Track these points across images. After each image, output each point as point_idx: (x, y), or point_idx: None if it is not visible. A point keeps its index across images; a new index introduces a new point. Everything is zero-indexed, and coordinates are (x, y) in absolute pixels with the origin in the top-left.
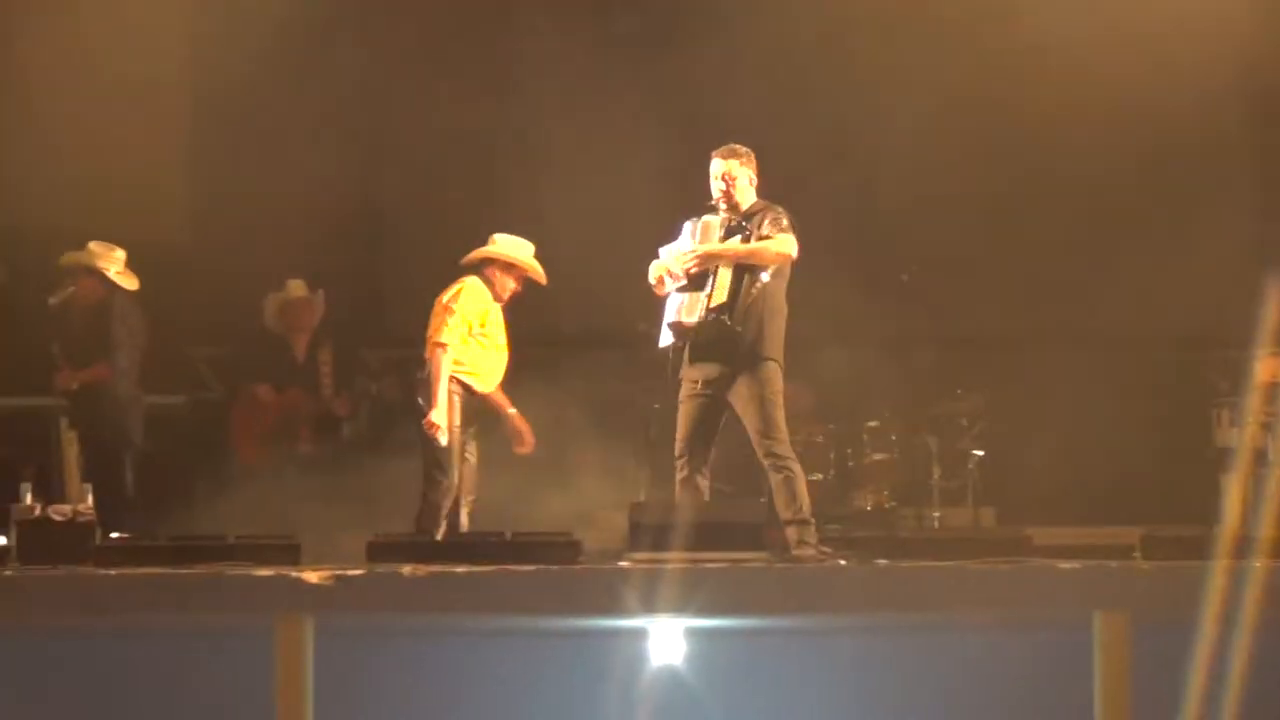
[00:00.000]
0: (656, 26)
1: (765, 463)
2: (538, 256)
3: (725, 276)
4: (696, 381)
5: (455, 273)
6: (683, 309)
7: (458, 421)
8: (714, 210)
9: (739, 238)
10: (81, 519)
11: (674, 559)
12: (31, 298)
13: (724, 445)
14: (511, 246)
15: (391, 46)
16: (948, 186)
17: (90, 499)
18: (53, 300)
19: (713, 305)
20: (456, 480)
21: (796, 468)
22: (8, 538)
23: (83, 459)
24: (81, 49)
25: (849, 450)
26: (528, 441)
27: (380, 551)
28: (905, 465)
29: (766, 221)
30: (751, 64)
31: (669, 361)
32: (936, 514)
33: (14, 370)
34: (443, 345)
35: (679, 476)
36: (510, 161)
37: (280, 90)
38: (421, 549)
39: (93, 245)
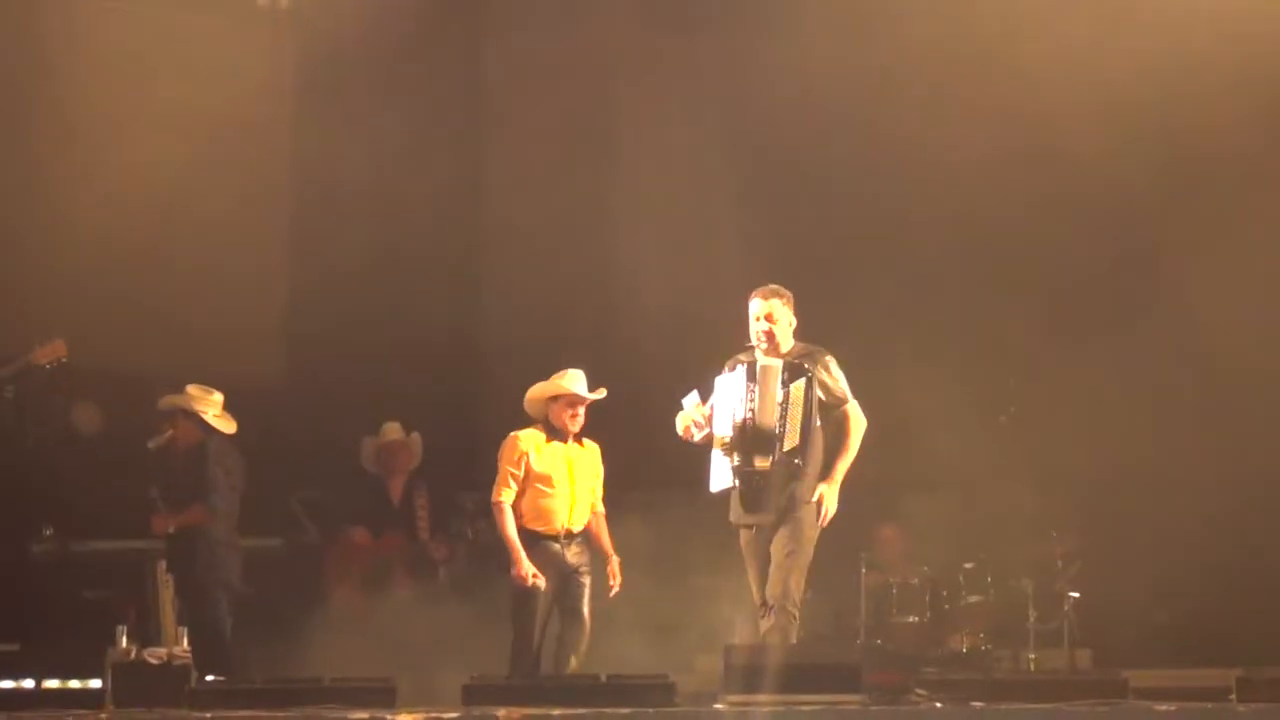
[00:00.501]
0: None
1: (777, 604)
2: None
3: (798, 418)
4: (751, 527)
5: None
6: (752, 454)
7: (543, 572)
8: (756, 352)
9: (802, 381)
10: (177, 662)
11: (768, 701)
12: (129, 441)
13: (820, 589)
14: (574, 380)
15: (492, 175)
16: (1051, 327)
17: (186, 641)
18: (151, 444)
19: (787, 449)
20: (538, 626)
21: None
22: (103, 680)
23: (178, 602)
24: (169, 183)
25: (944, 592)
26: (613, 585)
27: (476, 694)
28: (1001, 607)
29: (823, 366)
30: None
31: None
32: (1032, 656)
33: (111, 513)
34: (498, 505)
35: (764, 624)
36: (608, 300)
37: (373, 228)
38: (517, 692)
39: (191, 389)
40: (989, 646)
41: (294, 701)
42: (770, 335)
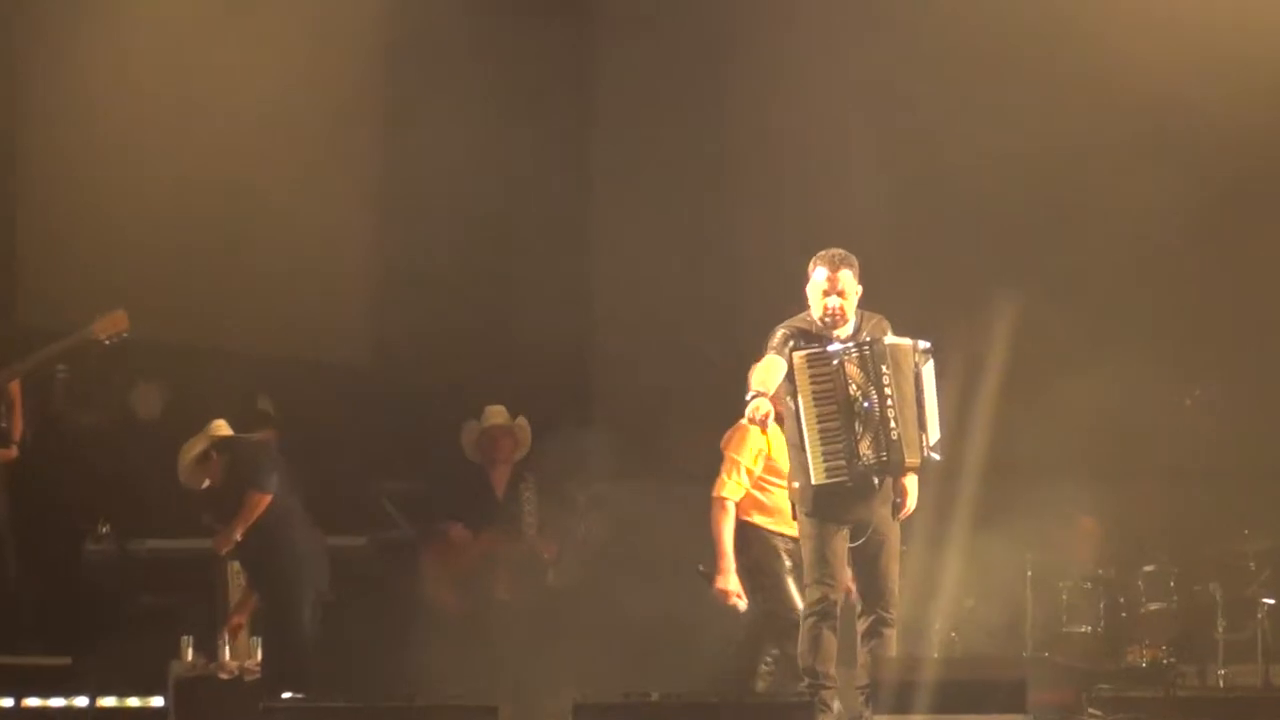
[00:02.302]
0: None
1: (882, 616)
2: None
3: (935, 409)
4: (846, 525)
5: (669, 400)
6: (901, 448)
7: (786, 569)
8: (817, 330)
9: (931, 364)
10: (249, 677)
11: None
12: (195, 425)
13: (980, 595)
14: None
15: (599, 149)
16: (1235, 300)
17: (260, 654)
18: (187, 484)
19: (932, 444)
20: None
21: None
22: (165, 698)
23: (252, 608)
24: (249, 159)
25: (1121, 599)
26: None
27: (588, 714)
28: (1185, 615)
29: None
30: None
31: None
32: (1222, 671)
33: (175, 508)
34: (721, 500)
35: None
36: (735, 268)
37: (478, 195)
38: (636, 711)
39: (215, 424)
40: (1172, 660)
41: None
42: (841, 313)
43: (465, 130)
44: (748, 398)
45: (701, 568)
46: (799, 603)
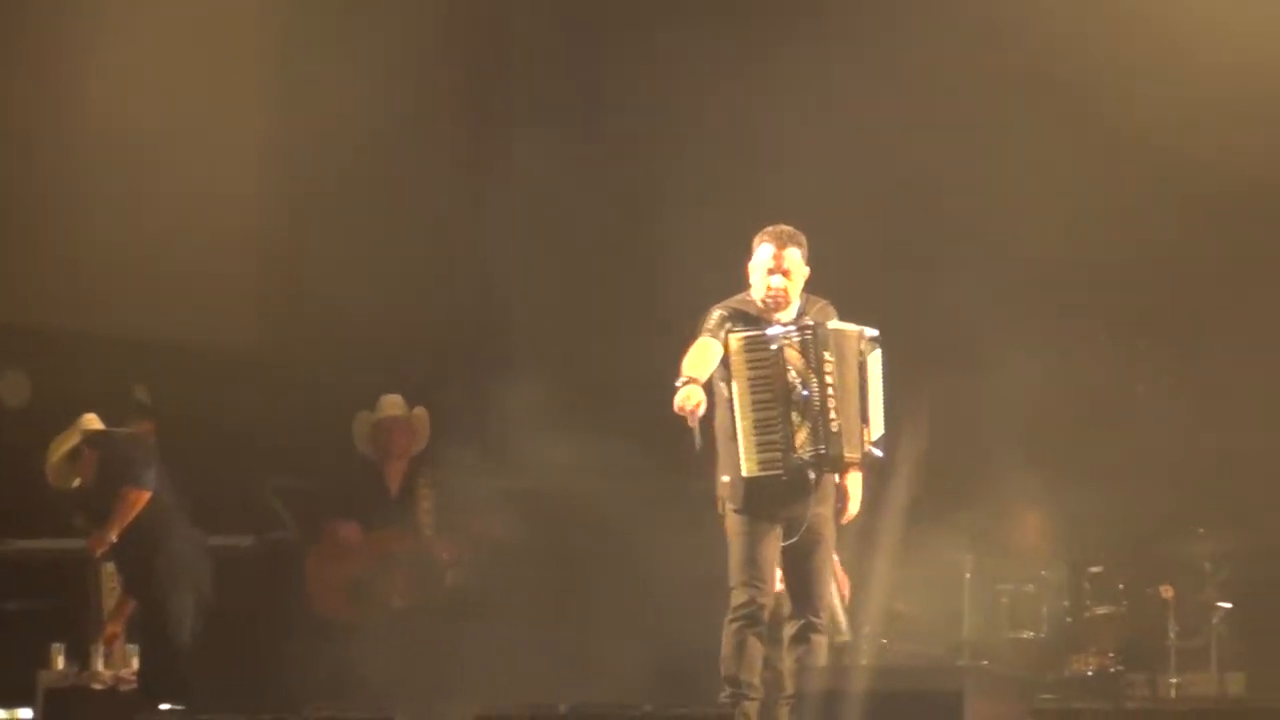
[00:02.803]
0: None
1: (812, 621)
2: None
3: (879, 401)
4: (777, 523)
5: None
6: (840, 441)
7: None
8: (757, 312)
9: (878, 353)
10: (124, 687)
11: None
12: (67, 416)
13: (914, 598)
14: None
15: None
16: (1189, 275)
17: (136, 663)
18: (56, 484)
19: (874, 439)
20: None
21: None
22: (33, 709)
23: (128, 613)
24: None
25: (1066, 603)
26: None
27: None
28: (1135, 620)
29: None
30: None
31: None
32: (1174, 680)
33: (43, 506)
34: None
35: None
36: (653, 256)
37: (373, 171)
38: None
39: (85, 418)
40: (1121, 668)
41: None
42: (784, 295)
43: (352, 105)
44: (677, 384)
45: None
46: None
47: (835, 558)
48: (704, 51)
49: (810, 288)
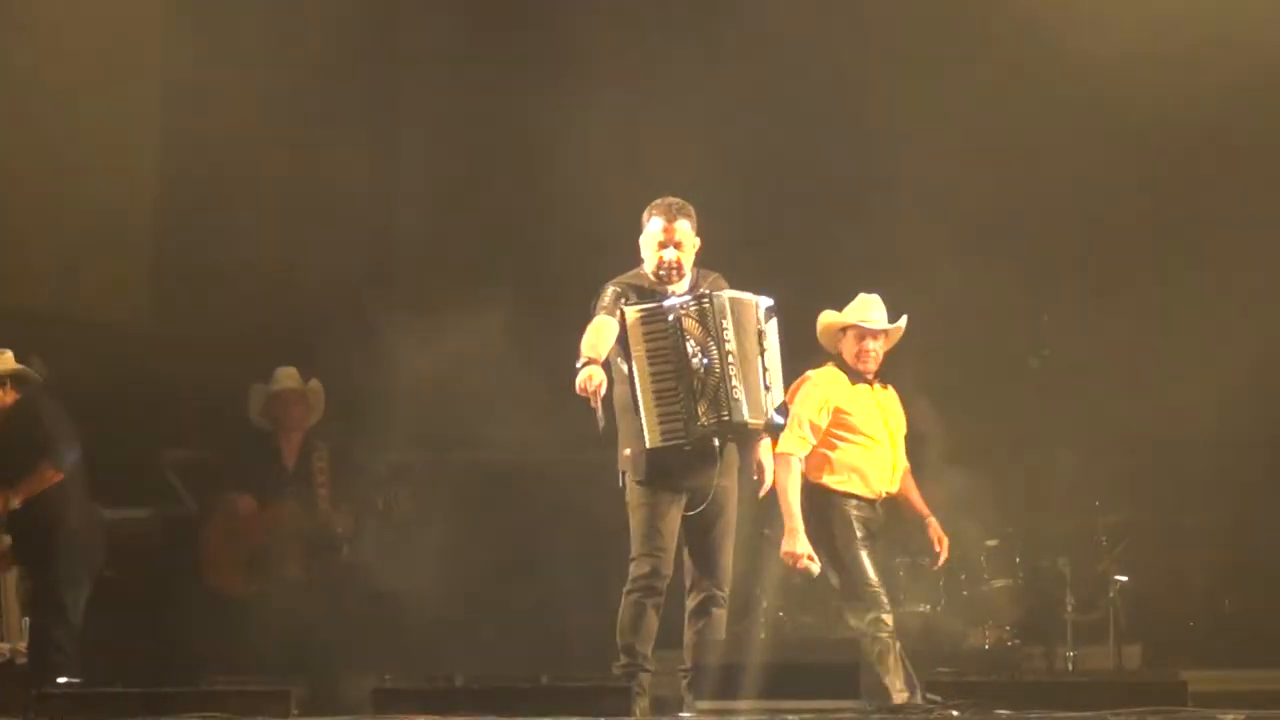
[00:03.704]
0: None
1: (714, 594)
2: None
3: (778, 369)
4: (681, 494)
5: (489, 355)
6: (743, 408)
7: (857, 539)
8: (650, 285)
9: (775, 322)
10: (20, 660)
11: (748, 709)
12: None
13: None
14: (860, 308)
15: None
16: (1090, 244)
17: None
18: None
19: (776, 405)
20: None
21: None
22: None
23: (23, 587)
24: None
25: (962, 576)
26: (940, 551)
27: (389, 699)
28: (1031, 594)
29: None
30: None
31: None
32: (1070, 653)
33: None
34: (782, 457)
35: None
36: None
37: (268, 144)
38: (438, 696)
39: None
40: (1017, 641)
41: (165, 710)
42: (678, 266)
43: (247, 73)
44: (578, 365)
45: (766, 531)
46: (872, 575)
47: (934, 521)
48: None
49: (706, 256)
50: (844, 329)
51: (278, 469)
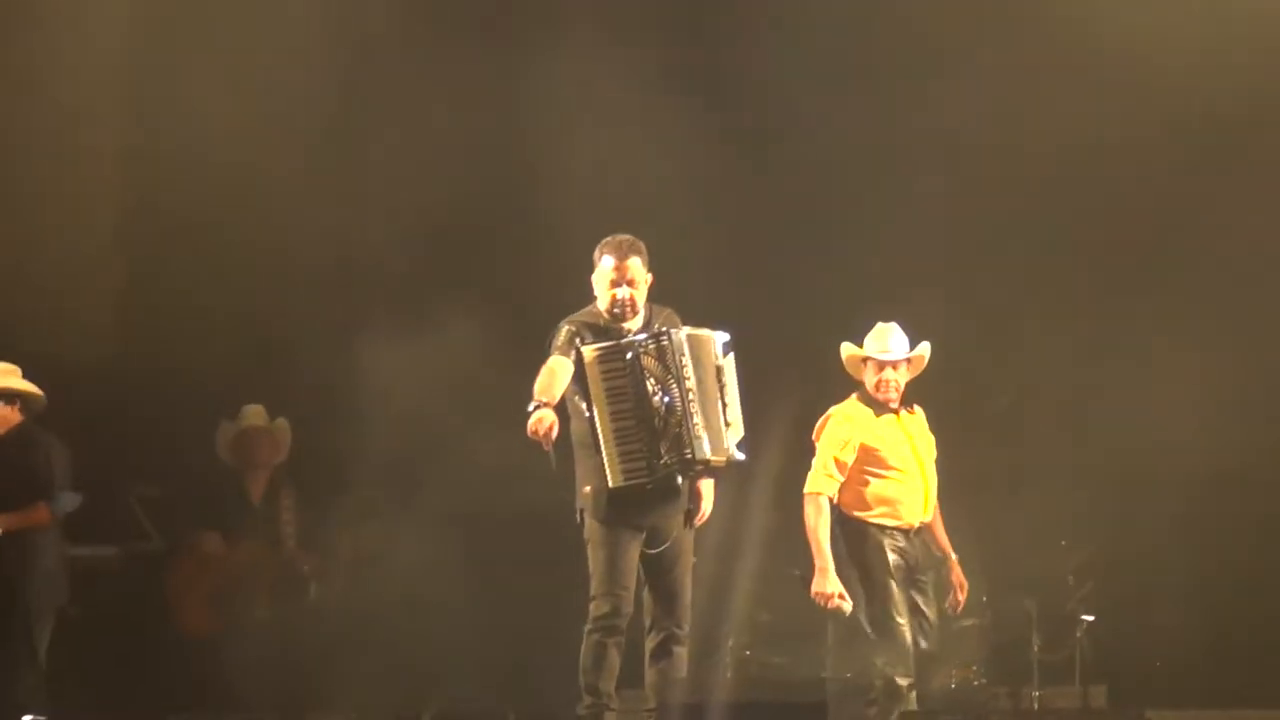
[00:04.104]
0: None
1: (674, 633)
2: None
3: (737, 404)
4: (641, 531)
5: (457, 393)
6: (705, 445)
7: (890, 574)
8: (605, 323)
9: (732, 356)
10: None
11: None
12: None
13: (775, 610)
14: (877, 339)
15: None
16: (1055, 284)
17: None
18: None
19: (736, 441)
20: (903, 649)
21: None
22: None
23: None
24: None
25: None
26: (961, 598)
27: None
28: (998, 633)
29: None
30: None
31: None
32: (1036, 693)
33: None
34: (810, 496)
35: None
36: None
37: (236, 171)
38: None
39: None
40: (983, 681)
41: None
42: (631, 303)
43: (212, 107)
44: (529, 409)
45: (797, 572)
46: (901, 613)
47: (954, 557)
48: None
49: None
50: (864, 360)
51: (244, 506)
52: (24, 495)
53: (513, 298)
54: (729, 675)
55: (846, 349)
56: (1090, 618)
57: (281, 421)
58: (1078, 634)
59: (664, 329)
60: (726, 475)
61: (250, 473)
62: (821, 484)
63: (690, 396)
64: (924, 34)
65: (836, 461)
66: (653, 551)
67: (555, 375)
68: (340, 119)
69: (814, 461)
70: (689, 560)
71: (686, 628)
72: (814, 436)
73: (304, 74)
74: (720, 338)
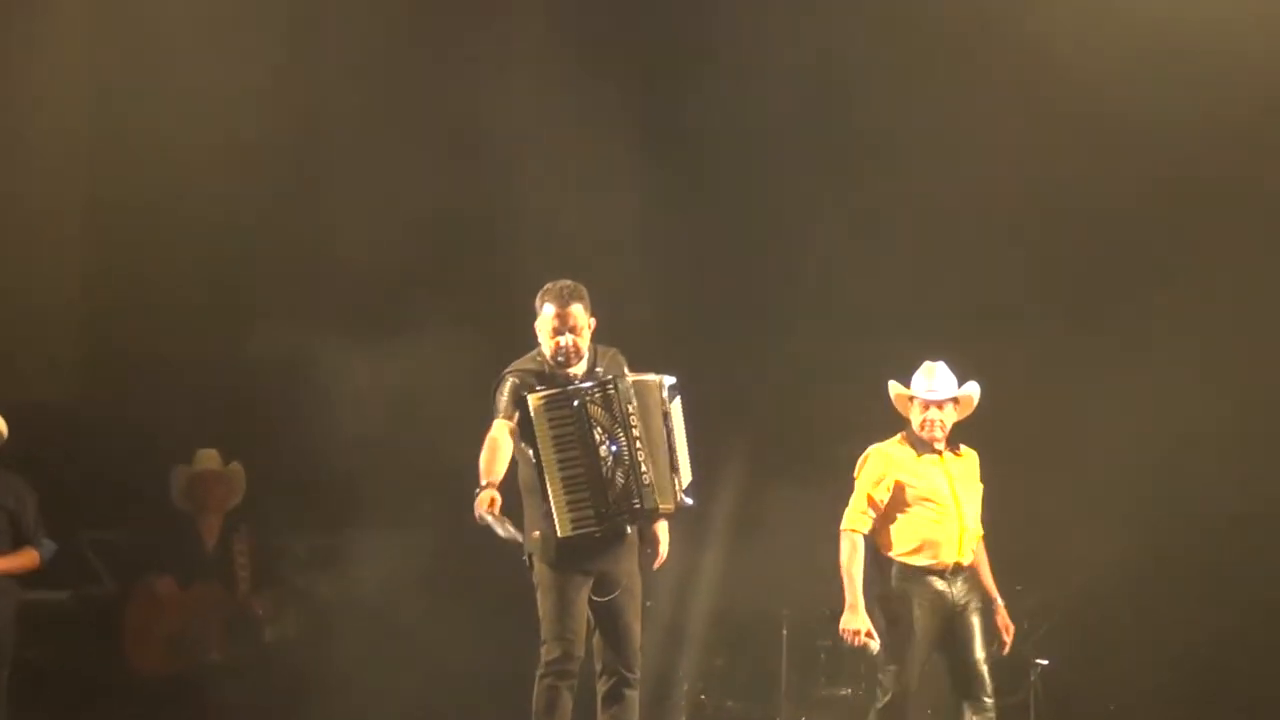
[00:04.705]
0: None
1: (625, 677)
2: None
3: (685, 449)
4: (590, 576)
5: (398, 436)
6: (653, 494)
7: (916, 613)
8: (550, 370)
9: (678, 400)
10: None
11: None
12: None
13: (732, 652)
14: (922, 377)
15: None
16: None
17: None
18: None
19: (685, 486)
20: (908, 688)
21: None
22: None
23: None
24: None
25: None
26: (1007, 642)
27: None
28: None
29: (627, 369)
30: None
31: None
32: None
33: None
34: (843, 533)
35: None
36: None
37: (194, 221)
38: None
39: None
40: None
41: None
42: (575, 349)
43: (166, 151)
44: (477, 490)
45: (827, 610)
46: (919, 653)
47: (1000, 601)
48: None
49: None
50: (910, 398)
51: (199, 551)
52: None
53: (468, 341)
54: None
55: (894, 388)
56: (1044, 661)
57: (236, 465)
58: (1032, 678)
59: (610, 377)
60: (679, 518)
61: (204, 517)
62: (855, 521)
63: (638, 445)
64: (877, 78)
65: (870, 499)
66: (602, 600)
67: (497, 452)
68: (296, 168)
69: (851, 498)
70: (639, 604)
71: (638, 671)
72: (855, 474)
73: (259, 122)
74: (667, 381)
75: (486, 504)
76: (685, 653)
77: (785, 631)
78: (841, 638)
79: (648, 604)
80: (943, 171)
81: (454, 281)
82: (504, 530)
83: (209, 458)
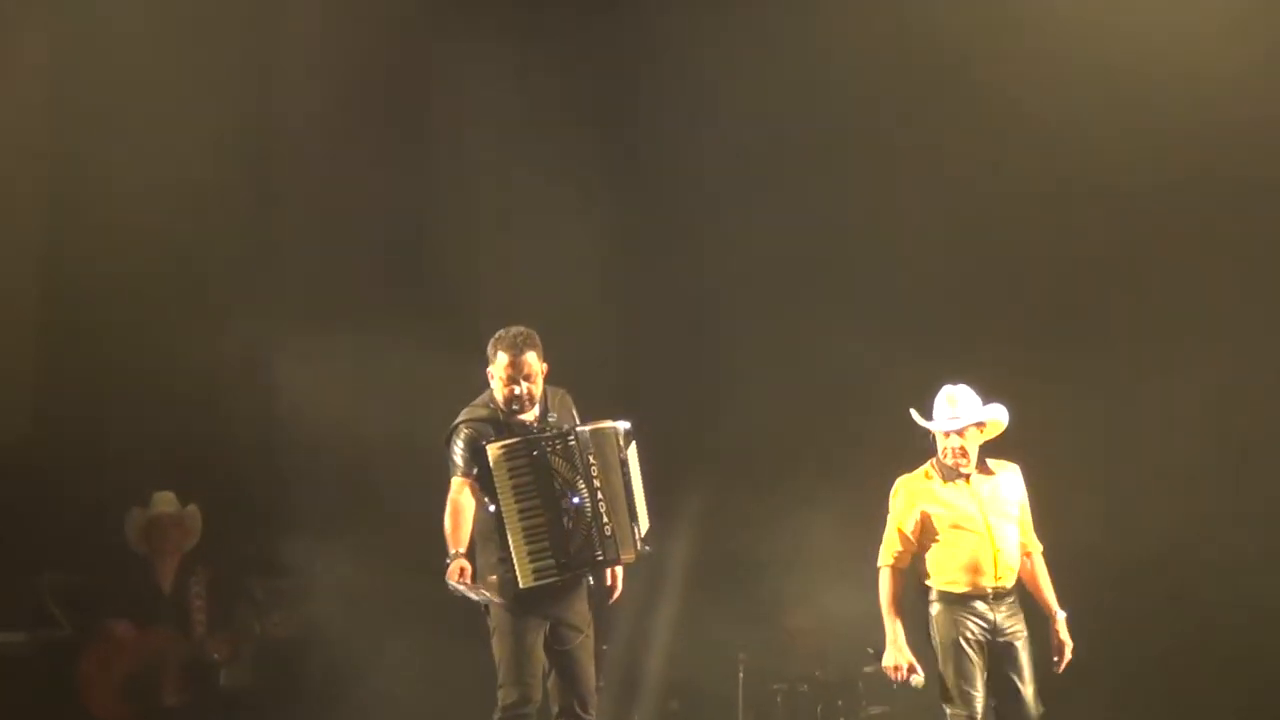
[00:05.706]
0: None
1: (582, 718)
2: None
3: (641, 496)
4: (547, 621)
5: (353, 483)
6: (614, 545)
7: (957, 640)
8: (505, 416)
9: (633, 446)
10: None
11: None
12: None
13: (688, 696)
14: (941, 407)
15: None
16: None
17: None
18: None
19: (643, 534)
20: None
21: None
22: None
23: None
24: None
25: (840, 702)
26: (1063, 656)
27: None
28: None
29: (574, 411)
30: None
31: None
32: None
33: None
34: (882, 569)
35: None
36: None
37: (155, 261)
38: None
39: None
40: None
41: None
42: (529, 396)
43: (127, 198)
44: (447, 560)
45: (870, 650)
46: (959, 676)
47: (1061, 615)
48: None
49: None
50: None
51: (155, 593)
52: None
53: (436, 380)
54: None
55: (916, 417)
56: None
57: (193, 508)
58: None
59: (569, 427)
60: (636, 562)
61: (160, 559)
62: (886, 555)
63: (599, 496)
64: (839, 111)
65: (900, 533)
66: (563, 649)
67: (460, 516)
68: (251, 206)
69: (887, 536)
70: (594, 647)
71: (593, 713)
72: (888, 507)
73: (217, 168)
74: (622, 427)
75: (457, 575)
76: (640, 696)
77: (741, 674)
78: (891, 673)
79: (603, 647)
80: (905, 203)
81: (421, 319)
82: (477, 595)
83: (165, 500)
